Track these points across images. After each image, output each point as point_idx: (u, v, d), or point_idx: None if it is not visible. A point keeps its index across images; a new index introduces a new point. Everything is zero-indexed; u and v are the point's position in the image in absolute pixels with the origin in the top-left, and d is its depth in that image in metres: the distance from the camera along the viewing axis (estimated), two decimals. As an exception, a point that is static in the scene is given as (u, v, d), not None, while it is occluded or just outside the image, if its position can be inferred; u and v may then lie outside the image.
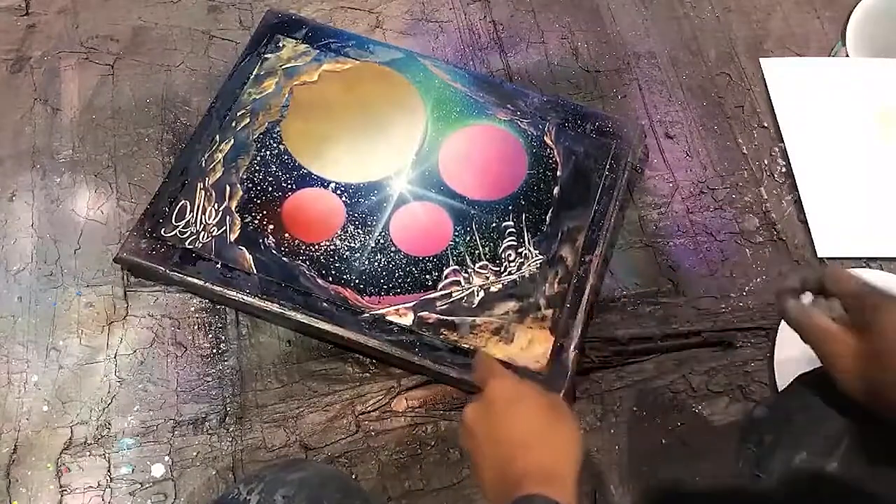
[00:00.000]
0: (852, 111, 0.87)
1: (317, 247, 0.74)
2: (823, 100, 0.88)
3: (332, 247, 0.74)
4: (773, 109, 0.87)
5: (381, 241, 0.74)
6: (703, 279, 0.78)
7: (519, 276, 0.73)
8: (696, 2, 0.96)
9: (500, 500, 0.46)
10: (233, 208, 0.76)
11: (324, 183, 0.77)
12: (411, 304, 0.71)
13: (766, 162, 0.85)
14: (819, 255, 0.79)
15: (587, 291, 0.72)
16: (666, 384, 0.73)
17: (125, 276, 0.76)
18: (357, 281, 0.72)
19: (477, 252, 0.74)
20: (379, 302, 0.71)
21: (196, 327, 0.74)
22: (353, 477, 0.68)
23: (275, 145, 0.79)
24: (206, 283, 0.71)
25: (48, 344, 0.73)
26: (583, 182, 0.78)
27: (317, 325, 0.70)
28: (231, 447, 0.69)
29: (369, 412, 0.71)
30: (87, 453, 0.68)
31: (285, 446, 0.69)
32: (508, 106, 0.82)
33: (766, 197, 0.83)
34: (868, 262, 0.79)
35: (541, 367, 0.68)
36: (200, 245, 0.73)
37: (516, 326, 0.70)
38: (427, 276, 0.73)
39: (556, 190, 0.77)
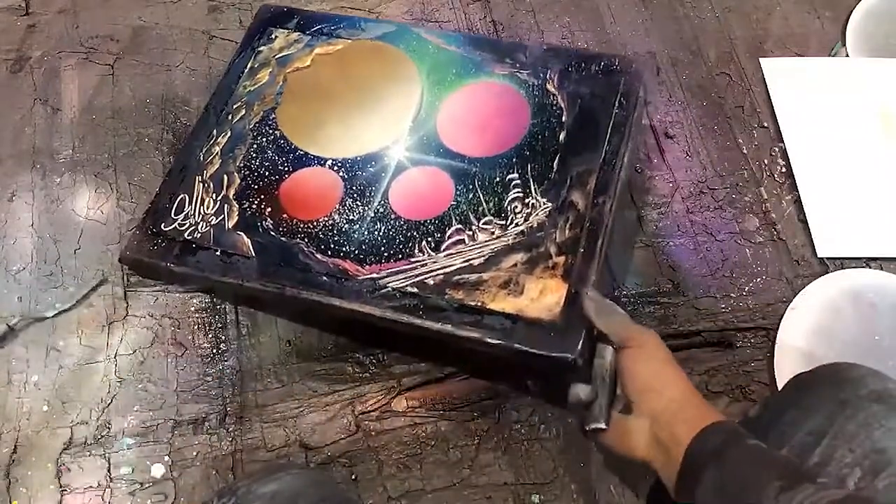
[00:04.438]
0: (852, 111, 0.87)
1: (315, 223, 0.73)
2: (823, 100, 0.88)
3: (331, 221, 0.73)
4: (773, 109, 0.87)
5: (381, 209, 0.73)
6: (703, 279, 0.78)
7: (527, 227, 0.70)
8: (696, 2, 0.96)
9: (672, 441, 0.49)
10: (231, 196, 0.75)
11: (321, 161, 0.77)
12: (413, 268, 0.70)
13: (766, 162, 0.85)
14: (819, 255, 0.79)
15: (603, 234, 0.68)
16: (666, 384, 0.73)
17: (125, 276, 0.76)
18: (357, 251, 0.71)
19: (481, 208, 0.72)
20: (380, 270, 0.70)
21: (196, 327, 0.74)
22: (353, 477, 0.68)
23: (271, 132, 0.79)
24: (206, 273, 0.71)
25: (48, 344, 0.73)
26: (591, 123, 0.74)
27: (316, 300, 0.68)
28: (231, 447, 0.69)
29: (369, 412, 0.71)
30: (87, 453, 0.68)
31: (285, 446, 0.69)
32: (507, 60, 0.80)
33: (766, 197, 0.83)
34: (868, 262, 0.79)
35: (554, 315, 0.64)
36: (199, 235, 0.73)
37: (526, 277, 0.67)
38: (430, 239, 0.71)
39: (562, 136, 0.74)
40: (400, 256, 0.70)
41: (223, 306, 0.75)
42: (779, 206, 0.82)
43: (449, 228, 0.71)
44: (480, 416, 0.71)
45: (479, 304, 0.66)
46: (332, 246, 0.71)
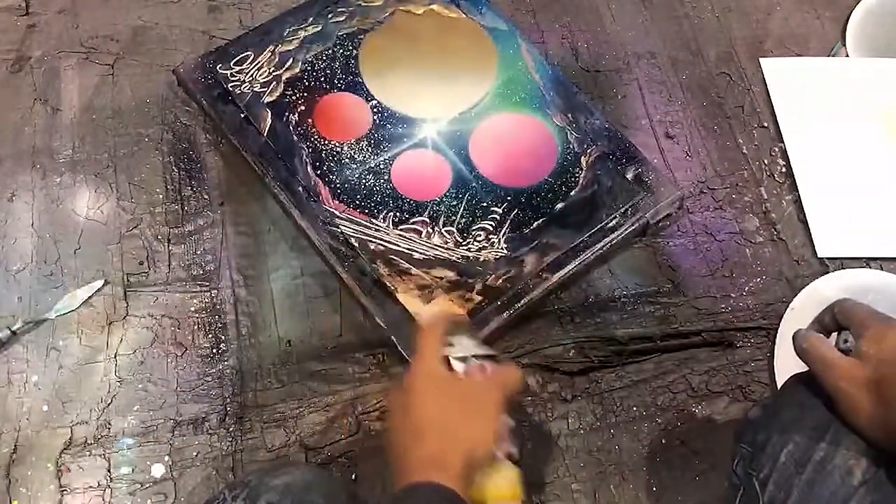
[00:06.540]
0: (852, 111, 0.87)
1: (326, 142, 0.79)
2: (823, 100, 0.88)
3: (339, 149, 0.79)
4: (773, 109, 0.88)
5: (381, 167, 0.78)
6: (703, 279, 0.78)
7: (473, 256, 0.74)
8: (696, 2, 0.96)
9: (400, 481, 0.49)
10: (283, 78, 0.82)
11: (368, 97, 0.82)
12: (368, 226, 0.74)
13: (766, 162, 0.85)
14: (819, 255, 0.79)
15: (523, 302, 0.71)
16: (666, 384, 0.73)
17: (125, 277, 0.76)
18: (338, 185, 0.77)
19: (453, 218, 0.76)
20: (343, 210, 0.75)
21: (196, 327, 0.74)
22: (353, 477, 0.68)
23: (350, 49, 0.85)
24: (222, 123, 0.79)
25: (48, 344, 0.73)
26: (589, 213, 0.76)
27: (283, 202, 0.76)
28: (231, 447, 0.69)
29: (370, 412, 0.71)
30: (87, 453, 0.68)
31: (285, 446, 0.69)
32: (569, 115, 0.82)
33: (766, 197, 0.83)
34: (868, 262, 0.79)
35: None
36: (239, 92, 0.81)
37: (441, 293, 0.71)
38: (397, 213, 0.75)
39: (560, 205, 0.77)
40: (366, 211, 0.75)
41: (223, 306, 0.75)
42: (779, 206, 0.82)
43: (417, 216, 0.75)
44: (480, 416, 0.71)
45: (393, 288, 0.72)
46: (324, 168, 0.78)
